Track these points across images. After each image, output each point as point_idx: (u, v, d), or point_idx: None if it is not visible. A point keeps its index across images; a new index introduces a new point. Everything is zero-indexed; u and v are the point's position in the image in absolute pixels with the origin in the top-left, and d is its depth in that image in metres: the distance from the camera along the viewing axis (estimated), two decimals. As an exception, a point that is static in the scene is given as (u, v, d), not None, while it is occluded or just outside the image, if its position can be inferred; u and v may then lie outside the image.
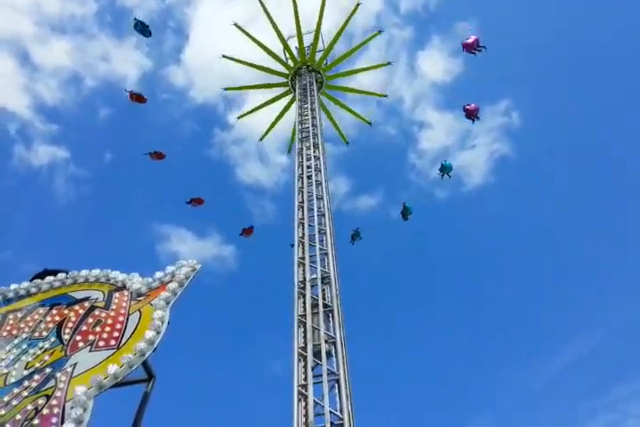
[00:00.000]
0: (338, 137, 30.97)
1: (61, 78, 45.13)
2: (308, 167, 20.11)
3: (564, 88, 45.89)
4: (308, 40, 27.95)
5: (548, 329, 39.54)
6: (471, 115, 23.57)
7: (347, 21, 28.21)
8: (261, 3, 27.14)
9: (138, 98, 25.30)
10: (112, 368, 8.04)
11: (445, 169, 24.22)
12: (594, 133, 44.11)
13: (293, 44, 28.22)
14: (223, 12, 44.73)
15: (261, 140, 31.17)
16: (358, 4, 27.99)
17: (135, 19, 23.95)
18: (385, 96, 30.86)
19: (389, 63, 30.48)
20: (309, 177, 19.51)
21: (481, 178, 46.31)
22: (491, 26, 44.34)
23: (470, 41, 22.40)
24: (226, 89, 30.02)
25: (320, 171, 19.82)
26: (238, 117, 31.17)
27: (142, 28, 23.97)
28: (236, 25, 27.79)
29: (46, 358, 8.93)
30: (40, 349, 9.26)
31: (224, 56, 28.56)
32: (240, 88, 30.08)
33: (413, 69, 47.75)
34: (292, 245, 24.46)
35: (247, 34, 27.95)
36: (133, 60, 44.82)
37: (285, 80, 28.44)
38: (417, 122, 47.57)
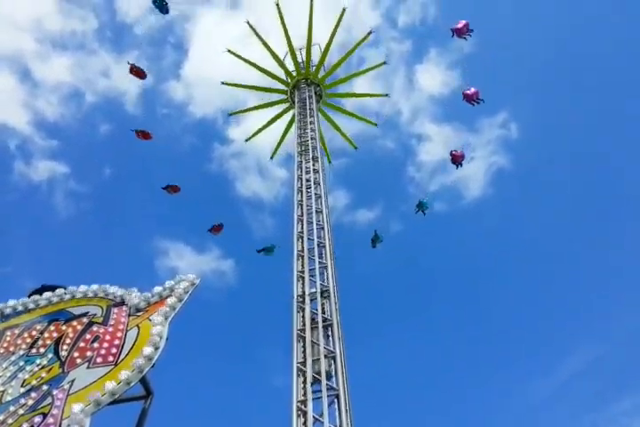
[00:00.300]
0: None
1: (62, 94, 45.40)
2: (307, 180, 20.06)
3: (562, 100, 46.12)
4: (304, 52, 27.89)
5: (548, 340, 39.30)
6: (457, 160, 23.90)
7: (355, 46, 28.44)
8: (253, 29, 27.35)
9: (137, 73, 25.30)
10: (110, 385, 7.97)
11: (422, 206, 24.22)
12: (592, 145, 44.35)
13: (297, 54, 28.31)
14: (223, 26, 45.16)
15: (272, 158, 30.93)
16: (370, 32, 28.44)
17: None
18: (375, 125, 31.02)
19: (386, 95, 31.10)
20: (308, 190, 19.49)
21: (479, 190, 46.40)
22: (489, 38, 44.50)
23: (470, 92, 23.22)
24: (230, 114, 30.91)
25: (319, 184, 19.78)
26: (246, 140, 31.19)
27: (160, 4, 23.93)
28: (229, 51, 28.02)
29: (43, 375, 8.86)
30: (37, 365, 9.19)
31: (223, 83, 28.94)
32: (244, 111, 30.55)
33: (411, 83, 48.07)
34: (259, 251, 24.42)
35: (241, 58, 28.16)
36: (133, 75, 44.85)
37: (285, 97, 28.49)
38: (415, 135, 47.70)
